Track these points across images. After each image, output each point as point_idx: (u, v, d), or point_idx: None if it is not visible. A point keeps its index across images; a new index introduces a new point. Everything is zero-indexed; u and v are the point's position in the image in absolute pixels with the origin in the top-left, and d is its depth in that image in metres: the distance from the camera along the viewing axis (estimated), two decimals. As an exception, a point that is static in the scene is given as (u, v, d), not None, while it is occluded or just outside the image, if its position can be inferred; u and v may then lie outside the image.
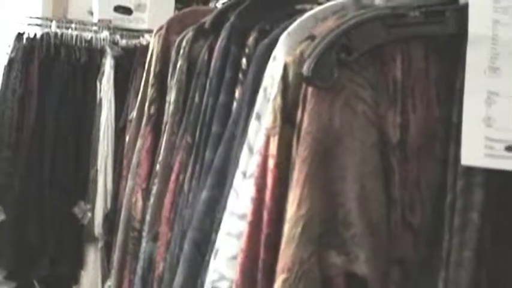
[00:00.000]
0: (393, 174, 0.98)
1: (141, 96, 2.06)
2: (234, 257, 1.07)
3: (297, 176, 0.96)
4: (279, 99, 1.02)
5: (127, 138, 2.16)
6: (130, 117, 2.30)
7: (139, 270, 1.78)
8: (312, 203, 0.95)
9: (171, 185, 1.56)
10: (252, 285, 1.02)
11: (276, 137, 1.01)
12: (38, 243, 3.16)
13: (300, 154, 0.96)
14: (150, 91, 1.93)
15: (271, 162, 1.01)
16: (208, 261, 1.19)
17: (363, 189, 0.96)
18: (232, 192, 1.13)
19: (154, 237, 1.66)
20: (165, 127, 1.80)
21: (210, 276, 1.09)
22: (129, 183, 2.00)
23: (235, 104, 1.36)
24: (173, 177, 1.55)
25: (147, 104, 1.91)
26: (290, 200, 0.97)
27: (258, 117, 1.13)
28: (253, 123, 1.14)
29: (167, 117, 1.74)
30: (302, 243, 0.95)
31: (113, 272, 2.11)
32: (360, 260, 0.95)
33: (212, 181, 1.26)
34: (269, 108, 1.04)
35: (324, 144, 0.96)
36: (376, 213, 0.97)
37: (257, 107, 1.14)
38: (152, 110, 1.89)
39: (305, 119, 0.97)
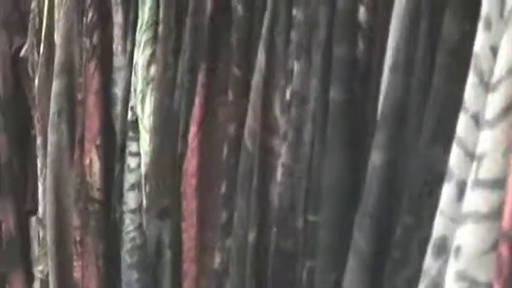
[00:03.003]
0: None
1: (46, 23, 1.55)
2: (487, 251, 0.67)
3: None
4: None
5: (36, 82, 1.63)
6: (23, 52, 1.74)
7: (128, 256, 1.33)
8: None
9: (193, 141, 1.10)
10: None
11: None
12: None
13: None
14: (78, 13, 1.41)
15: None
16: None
17: None
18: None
19: (161, 214, 1.22)
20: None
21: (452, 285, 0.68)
22: (52, 138, 1.51)
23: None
24: (194, 128, 1.10)
25: (85, 33, 1.39)
26: None
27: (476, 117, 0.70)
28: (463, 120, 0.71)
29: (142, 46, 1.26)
30: None
31: (49, 253, 1.63)
32: None
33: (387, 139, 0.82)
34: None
35: None
36: None
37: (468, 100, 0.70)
38: (95, 40, 1.37)
39: None
